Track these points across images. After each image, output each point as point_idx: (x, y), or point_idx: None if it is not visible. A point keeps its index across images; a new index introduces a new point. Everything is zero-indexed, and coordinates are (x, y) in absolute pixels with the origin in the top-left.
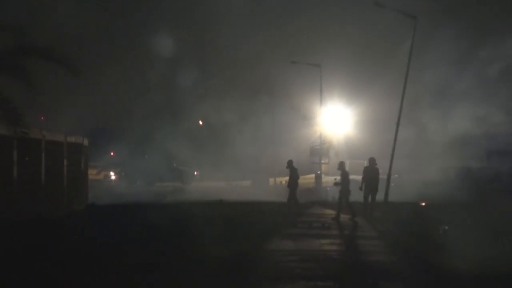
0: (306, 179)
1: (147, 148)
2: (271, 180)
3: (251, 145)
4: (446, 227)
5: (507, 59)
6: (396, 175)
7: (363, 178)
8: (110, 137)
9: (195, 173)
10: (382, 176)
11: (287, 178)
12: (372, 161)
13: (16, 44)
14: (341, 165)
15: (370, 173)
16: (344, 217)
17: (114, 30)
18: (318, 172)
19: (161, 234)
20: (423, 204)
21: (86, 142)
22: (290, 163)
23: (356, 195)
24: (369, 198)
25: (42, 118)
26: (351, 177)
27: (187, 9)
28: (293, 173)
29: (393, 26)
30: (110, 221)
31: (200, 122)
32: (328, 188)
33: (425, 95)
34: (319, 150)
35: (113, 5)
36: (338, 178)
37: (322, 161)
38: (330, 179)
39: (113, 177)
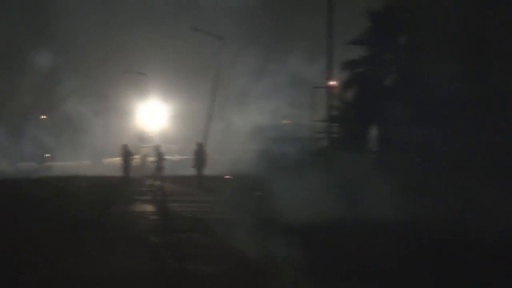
0: (135, 159)
1: (10, 133)
2: (105, 160)
3: (94, 134)
4: (258, 193)
5: (289, 70)
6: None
7: (194, 157)
8: None
9: (47, 155)
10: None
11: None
12: (199, 145)
13: None
14: (157, 148)
15: (199, 154)
16: (159, 185)
17: None
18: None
19: (36, 202)
20: (227, 177)
21: None
22: (124, 147)
23: (188, 171)
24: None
25: None
26: (184, 156)
27: None
28: (126, 154)
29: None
30: None
31: (43, 117)
32: (151, 165)
33: (233, 96)
34: (143, 137)
35: None
36: (153, 157)
37: (145, 145)
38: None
39: None
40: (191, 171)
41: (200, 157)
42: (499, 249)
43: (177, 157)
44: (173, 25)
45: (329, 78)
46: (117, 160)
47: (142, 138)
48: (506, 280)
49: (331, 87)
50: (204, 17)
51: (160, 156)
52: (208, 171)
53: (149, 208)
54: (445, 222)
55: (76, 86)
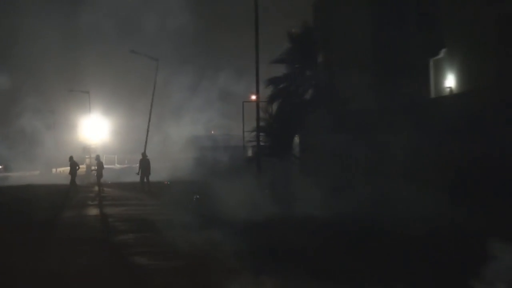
0: (80, 168)
1: None
2: (54, 170)
3: (43, 146)
4: (197, 196)
5: (220, 86)
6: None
7: (139, 166)
8: None
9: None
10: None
11: (67, 168)
12: (144, 154)
13: None
14: (97, 158)
15: (144, 162)
16: (107, 190)
17: None
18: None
19: None
20: (167, 182)
21: None
22: (71, 158)
23: (128, 178)
24: (144, 179)
25: None
26: (124, 165)
27: None
28: (73, 164)
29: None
30: None
31: None
32: (93, 173)
33: (169, 110)
34: (87, 149)
35: None
36: (94, 167)
37: (89, 156)
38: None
39: None
40: (131, 178)
41: (144, 165)
42: (399, 235)
43: (117, 166)
44: (115, 48)
45: (256, 93)
46: (64, 169)
47: (86, 149)
48: (394, 257)
49: (258, 101)
50: (143, 40)
51: (99, 165)
52: (150, 177)
53: (100, 211)
54: (356, 216)
55: (27, 103)
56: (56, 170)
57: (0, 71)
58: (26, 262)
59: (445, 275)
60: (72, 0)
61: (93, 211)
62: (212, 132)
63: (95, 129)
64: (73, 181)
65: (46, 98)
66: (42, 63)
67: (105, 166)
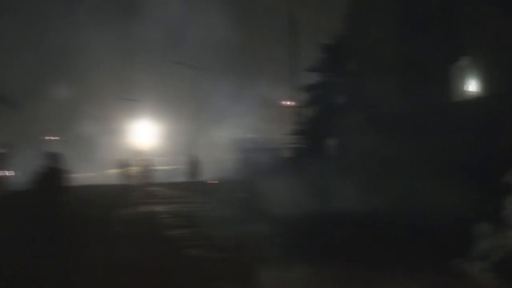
0: (132, 170)
1: (32, 151)
2: (108, 171)
3: (98, 150)
4: (242, 194)
5: (260, 92)
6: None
7: (189, 167)
8: None
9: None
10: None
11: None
12: (192, 156)
13: None
14: (146, 160)
15: (192, 164)
16: (158, 190)
17: None
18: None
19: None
20: (213, 182)
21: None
22: (122, 161)
23: (177, 178)
24: (193, 179)
25: None
26: (173, 167)
27: None
28: (124, 166)
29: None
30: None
31: (53, 138)
32: (144, 174)
33: (214, 115)
34: (138, 152)
35: None
36: (144, 168)
37: (140, 159)
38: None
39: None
40: (180, 178)
41: (193, 166)
42: (421, 227)
43: (167, 167)
44: (163, 58)
45: (292, 99)
46: (117, 171)
47: (137, 152)
48: (419, 249)
49: (295, 106)
50: (193, 51)
51: (148, 166)
52: (198, 177)
53: (153, 209)
54: (384, 209)
55: (84, 111)
56: (110, 171)
57: (61, 82)
58: (96, 254)
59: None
60: (125, 16)
61: (147, 209)
62: (254, 136)
63: (145, 134)
64: (125, 181)
65: (101, 106)
66: (97, 74)
67: (154, 167)
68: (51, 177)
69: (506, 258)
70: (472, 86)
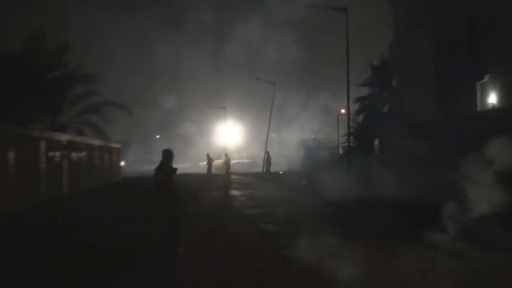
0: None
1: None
2: (200, 163)
3: (193, 146)
4: (305, 182)
5: (319, 102)
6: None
7: (264, 160)
8: None
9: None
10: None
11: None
12: (267, 153)
13: None
14: (226, 154)
15: (267, 158)
16: (238, 178)
17: None
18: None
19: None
20: (281, 172)
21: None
22: (208, 155)
23: (256, 169)
24: (265, 170)
25: None
26: (250, 160)
27: None
28: (209, 159)
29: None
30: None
31: (157, 136)
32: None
33: (283, 121)
34: (224, 148)
35: None
36: (226, 160)
37: (223, 153)
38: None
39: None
40: (256, 169)
41: (267, 160)
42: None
43: (245, 161)
44: (246, 73)
45: (347, 107)
46: (206, 163)
47: (222, 149)
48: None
49: (349, 114)
50: (271, 67)
51: (228, 159)
52: (271, 169)
53: (233, 193)
54: (420, 197)
55: (184, 115)
56: (201, 164)
57: (166, 92)
58: (193, 225)
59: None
60: (217, 40)
61: (229, 193)
62: (314, 136)
63: (229, 134)
64: (209, 171)
65: (196, 111)
66: (193, 86)
67: (236, 161)
68: (166, 168)
69: None
70: (492, 98)
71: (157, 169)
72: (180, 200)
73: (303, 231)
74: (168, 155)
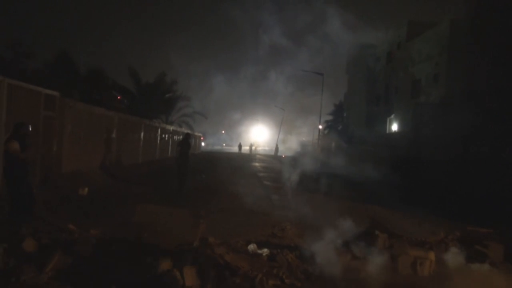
0: (248, 148)
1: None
2: (245, 148)
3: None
4: (293, 162)
5: None
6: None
7: (275, 150)
8: None
9: (224, 144)
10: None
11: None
12: (277, 145)
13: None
14: (252, 144)
15: (276, 148)
16: (259, 157)
17: None
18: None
19: (211, 160)
20: (283, 156)
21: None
22: (239, 144)
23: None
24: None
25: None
26: (272, 148)
27: None
28: (240, 146)
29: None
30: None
31: (223, 131)
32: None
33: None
34: (253, 140)
35: None
36: (253, 147)
37: (252, 144)
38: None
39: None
40: (270, 154)
41: (276, 149)
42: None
43: (266, 148)
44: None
45: (319, 125)
46: (241, 148)
47: (252, 140)
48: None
49: (318, 130)
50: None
51: (251, 146)
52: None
53: (254, 164)
54: (347, 174)
55: (234, 118)
56: (239, 148)
57: (229, 102)
58: (226, 183)
59: None
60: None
61: (252, 164)
62: (304, 139)
63: (258, 131)
64: (240, 152)
65: (243, 113)
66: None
67: (261, 147)
68: (183, 144)
69: None
70: (394, 127)
71: (178, 144)
72: (190, 163)
73: (283, 185)
74: (186, 137)
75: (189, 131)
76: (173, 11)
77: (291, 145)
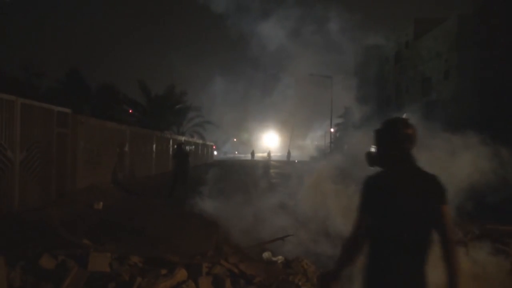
0: (262, 155)
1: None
2: (257, 155)
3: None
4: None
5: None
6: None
7: (288, 155)
8: None
9: (236, 152)
10: None
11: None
12: (289, 151)
13: None
14: (269, 152)
15: (289, 153)
16: (273, 163)
17: None
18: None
19: (226, 170)
20: (296, 161)
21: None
22: (252, 151)
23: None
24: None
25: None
26: (284, 153)
27: None
28: (253, 153)
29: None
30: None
31: (235, 139)
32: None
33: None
34: (266, 147)
35: None
36: (268, 154)
37: (270, 151)
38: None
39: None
40: (283, 159)
41: (288, 154)
42: None
43: (279, 154)
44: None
45: (330, 128)
46: (254, 154)
47: (266, 147)
48: None
49: (330, 132)
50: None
51: (269, 154)
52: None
53: (269, 169)
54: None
55: (243, 127)
56: (252, 155)
57: (239, 115)
58: (241, 180)
59: None
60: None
61: (267, 170)
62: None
63: (270, 138)
64: (252, 158)
65: (255, 121)
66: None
67: (273, 153)
68: (178, 154)
69: None
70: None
71: (173, 157)
72: (189, 171)
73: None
74: (179, 148)
75: (181, 141)
76: (181, 22)
77: (307, 151)
